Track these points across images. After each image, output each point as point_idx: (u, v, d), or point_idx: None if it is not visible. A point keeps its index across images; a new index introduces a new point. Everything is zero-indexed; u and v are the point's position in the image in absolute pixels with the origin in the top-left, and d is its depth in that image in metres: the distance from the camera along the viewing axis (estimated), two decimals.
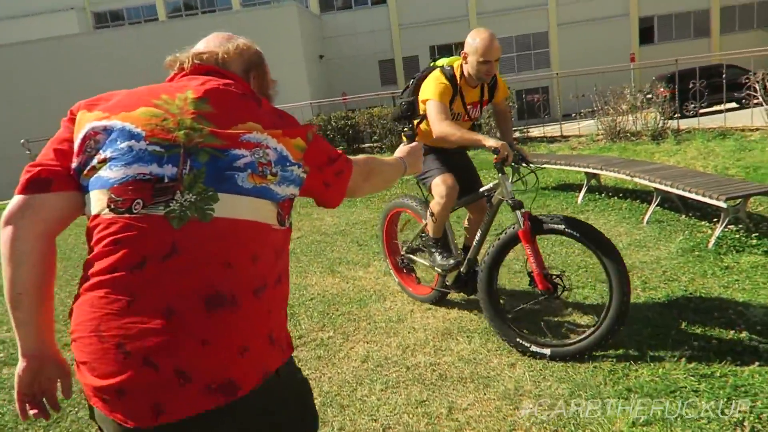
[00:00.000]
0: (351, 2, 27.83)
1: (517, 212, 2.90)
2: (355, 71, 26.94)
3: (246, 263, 1.12)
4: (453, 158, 3.37)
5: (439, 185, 3.19)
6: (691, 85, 9.95)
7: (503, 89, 3.47)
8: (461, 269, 3.41)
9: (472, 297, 3.54)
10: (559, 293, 2.94)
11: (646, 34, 26.50)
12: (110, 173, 1.09)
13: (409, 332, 3.34)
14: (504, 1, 26.18)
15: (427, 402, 2.60)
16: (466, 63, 3.15)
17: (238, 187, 1.12)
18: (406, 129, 2.15)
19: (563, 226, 2.80)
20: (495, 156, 2.88)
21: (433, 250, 3.41)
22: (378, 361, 3.03)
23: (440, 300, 3.64)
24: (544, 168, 6.39)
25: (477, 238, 3.28)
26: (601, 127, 9.86)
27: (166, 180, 1.09)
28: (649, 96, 9.81)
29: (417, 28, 27.02)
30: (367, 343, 3.27)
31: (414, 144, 1.76)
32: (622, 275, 2.71)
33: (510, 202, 2.94)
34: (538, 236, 2.90)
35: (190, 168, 1.10)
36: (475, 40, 3.08)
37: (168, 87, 1.23)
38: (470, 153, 3.82)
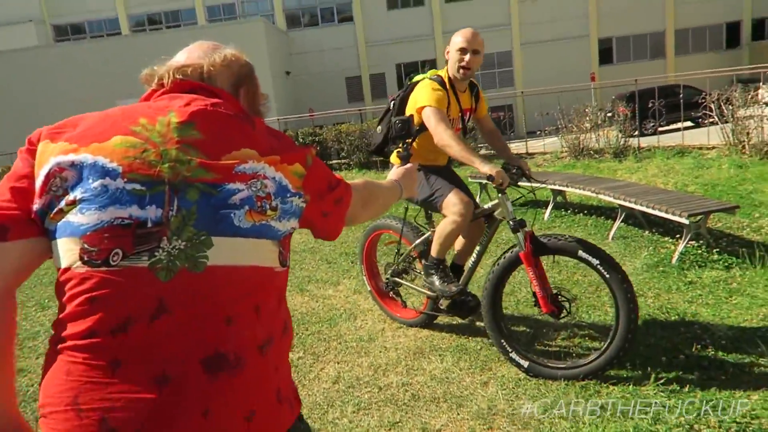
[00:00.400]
0: (318, 19, 27.95)
1: (519, 234, 2.80)
2: (322, 87, 26.98)
3: (249, 316, 0.98)
4: (450, 174, 3.24)
5: (457, 203, 2.97)
6: (650, 104, 10.26)
7: (484, 103, 3.39)
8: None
9: (464, 321, 3.51)
10: (563, 315, 2.85)
11: (605, 55, 27.34)
12: (81, 218, 0.92)
13: (380, 351, 3.29)
14: (468, 20, 26.65)
15: (400, 423, 2.55)
16: (449, 59, 3.08)
17: (235, 227, 0.97)
18: (399, 149, 2.03)
19: (566, 247, 2.71)
20: (491, 182, 2.77)
21: (432, 271, 3.18)
22: (349, 381, 2.97)
23: (429, 323, 3.52)
24: (544, 187, 6.21)
25: (473, 258, 3.14)
26: (565, 144, 10.07)
27: (149, 224, 0.93)
28: (610, 114, 10.07)
29: (383, 45, 27.28)
30: (338, 363, 3.21)
31: (409, 165, 1.64)
32: (629, 299, 2.61)
33: (511, 223, 2.84)
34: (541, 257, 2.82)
35: (178, 208, 0.94)
36: (456, 35, 3.05)
37: (146, 109, 1.05)
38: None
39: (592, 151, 9.62)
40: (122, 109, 1.05)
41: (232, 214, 0.97)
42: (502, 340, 2.90)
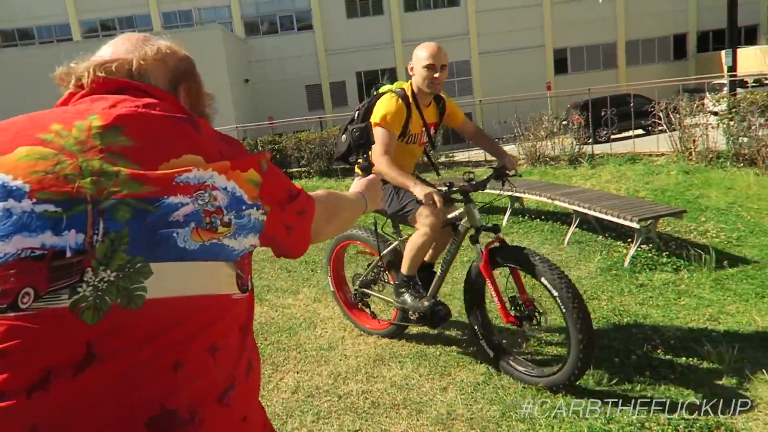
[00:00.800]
0: (277, 27, 27.83)
1: (477, 245, 2.81)
2: (281, 95, 26.84)
3: (203, 359, 0.81)
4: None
5: (429, 215, 2.93)
6: (602, 113, 10.58)
7: (457, 111, 3.34)
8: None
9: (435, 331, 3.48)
10: (527, 324, 2.82)
11: (560, 65, 28.13)
12: None
13: (340, 360, 3.28)
14: (427, 29, 27.01)
15: (359, 431, 2.55)
16: (414, 75, 3.04)
17: (180, 249, 0.80)
18: (360, 160, 1.94)
19: (520, 262, 2.66)
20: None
21: (403, 290, 3.14)
22: (309, 391, 2.95)
23: (399, 334, 3.47)
24: (504, 194, 6.08)
25: (441, 268, 3.11)
26: (522, 151, 10.27)
27: (68, 253, 0.75)
28: (565, 122, 10.33)
29: (343, 54, 27.35)
30: (297, 373, 3.18)
31: (372, 176, 1.54)
32: (583, 341, 2.49)
33: (473, 231, 2.82)
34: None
35: (105, 231, 0.77)
36: (420, 49, 3.00)
37: (61, 113, 0.87)
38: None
39: (548, 158, 9.84)
40: (30, 115, 0.87)
41: (174, 234, 0.80)
42: (476, 326, 2.95)
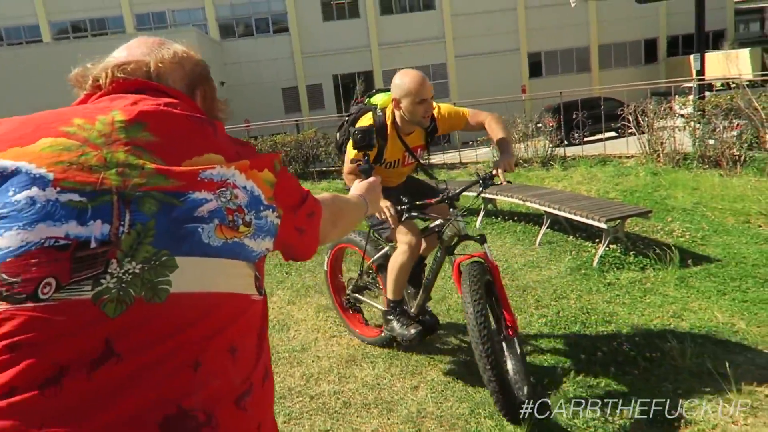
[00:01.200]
0: (252, 30, 27.65)
1: (451, 257, 2.80)
2: (258, 98, 26.65)
3: (222, 359, 0.80)
4: (401, 192, 3.08)
5: (407, 233, 2.87)
6: (574, 116, 10.76)
7: (457, 115, 3.05)
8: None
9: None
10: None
11: (535, 68, 28.50)
12: (0, 240, 0.72)
13: (313, 361, 3.30)
14: (403, 33, 27.15)
15: (330, 431, 2.57)
16: (400, 110, 2.86)
17: (204, 245, 0.80)
18: (360, 162, 1.91)
19: (471, 291, 2.54)
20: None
21: (390, 317, 3.05)
22: (281, 392, 2.96)
23: (390, 343, 3.32)
24: (484, 197, 5.99)
25: (427, 278, 3.01)
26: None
27: (93, 244, 0.73)
28: (539, 125, 10.50)
29: (320, 57, 27.30)
30: None
31: (372, 179, 1.52)
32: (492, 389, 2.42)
33: (455, 240, 2.80)
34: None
35: (131, 223, 0.76)
36: (404, 82, 2.79)
37: (82, 110, 0.88)
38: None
39: (521, 161, 9.98)
40: (50, 111, 0.88)
41: (199, 229, 0.80)
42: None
